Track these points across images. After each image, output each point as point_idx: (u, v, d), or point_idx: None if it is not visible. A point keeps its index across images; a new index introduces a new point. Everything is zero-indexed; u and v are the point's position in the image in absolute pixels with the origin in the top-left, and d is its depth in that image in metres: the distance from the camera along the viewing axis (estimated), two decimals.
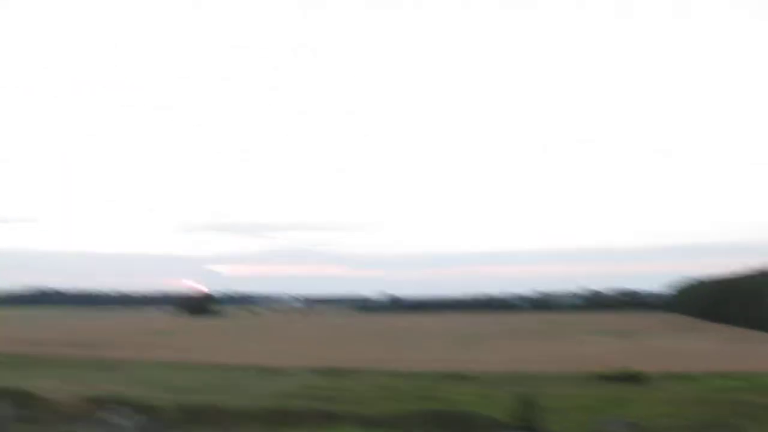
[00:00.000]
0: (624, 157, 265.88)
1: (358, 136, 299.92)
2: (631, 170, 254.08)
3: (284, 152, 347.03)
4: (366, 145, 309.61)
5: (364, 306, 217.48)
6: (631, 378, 32.46)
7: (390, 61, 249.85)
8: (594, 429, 21.57)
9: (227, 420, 23.45)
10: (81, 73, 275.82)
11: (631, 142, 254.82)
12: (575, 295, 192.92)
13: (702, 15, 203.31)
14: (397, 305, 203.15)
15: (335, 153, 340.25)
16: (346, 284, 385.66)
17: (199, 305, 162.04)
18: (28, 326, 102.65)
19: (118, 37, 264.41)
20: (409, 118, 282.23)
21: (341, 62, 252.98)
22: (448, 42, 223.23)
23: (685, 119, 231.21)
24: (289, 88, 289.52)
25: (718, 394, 28.33)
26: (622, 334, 68.46)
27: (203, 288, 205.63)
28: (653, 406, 25.41)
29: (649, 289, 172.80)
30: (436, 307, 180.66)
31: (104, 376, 35.47)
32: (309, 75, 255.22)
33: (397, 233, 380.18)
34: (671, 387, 30.77)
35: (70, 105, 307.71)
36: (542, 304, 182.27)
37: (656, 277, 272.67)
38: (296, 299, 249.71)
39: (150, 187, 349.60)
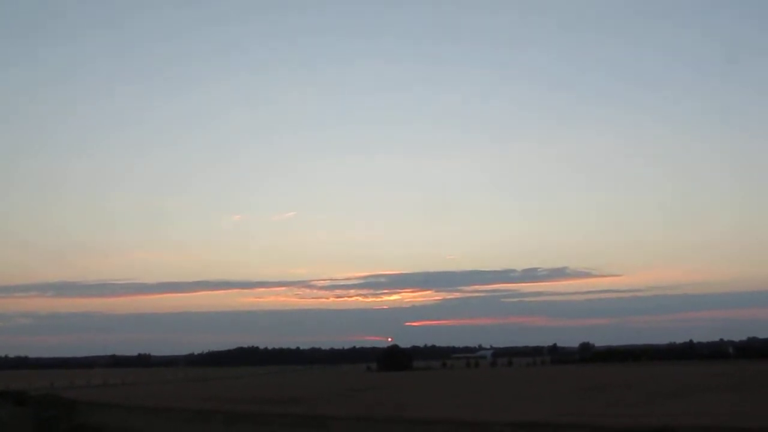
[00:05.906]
0: None
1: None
2: None
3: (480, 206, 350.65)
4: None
5: (557, 355, 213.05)
6: None
7: None
8: None
9: None
10: None
11: None
12: None
13: None
14: (590, 354, 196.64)
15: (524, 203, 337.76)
16: (539, 334, 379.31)
17: (393, 359, 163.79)
18: (231, 385, 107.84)
19: None
20: None
21: None
22: None
23: None
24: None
25: None
26: None
27: (397, 342, 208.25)
28: None
29: None
30: (632, 355, 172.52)
31: None
32: None
33: (588, 283, 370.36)
34: None
35: None
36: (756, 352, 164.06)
37: None
38: (488, 350, 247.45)
39: (345, 244, 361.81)
